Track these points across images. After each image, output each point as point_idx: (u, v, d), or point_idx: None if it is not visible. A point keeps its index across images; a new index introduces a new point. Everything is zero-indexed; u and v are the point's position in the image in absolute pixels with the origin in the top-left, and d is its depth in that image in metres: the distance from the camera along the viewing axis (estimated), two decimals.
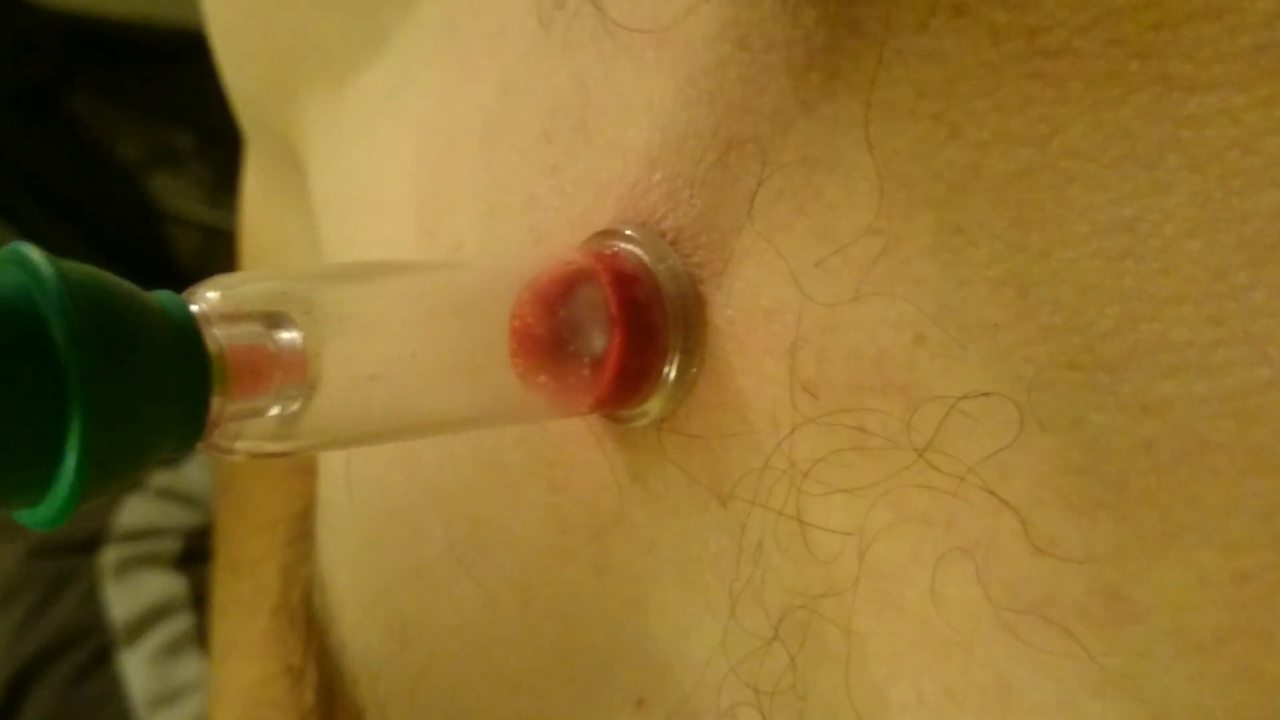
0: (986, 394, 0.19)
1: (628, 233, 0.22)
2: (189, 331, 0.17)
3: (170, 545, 0.67)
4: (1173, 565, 0.17)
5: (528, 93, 0.25)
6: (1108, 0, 0.18)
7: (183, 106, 0.88)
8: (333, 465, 0.32)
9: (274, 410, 0.18)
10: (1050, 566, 0.18)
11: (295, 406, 0.18)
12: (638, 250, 0.22)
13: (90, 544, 0.65)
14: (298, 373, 0.18)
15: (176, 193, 0.88)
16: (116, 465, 0.16)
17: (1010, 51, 0.19)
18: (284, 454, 0.19)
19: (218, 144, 0.83)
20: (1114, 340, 0.18)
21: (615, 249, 0.22)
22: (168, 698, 0.61)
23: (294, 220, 0.40)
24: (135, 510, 0.67)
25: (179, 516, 0.68)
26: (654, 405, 0.22)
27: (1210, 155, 0.17)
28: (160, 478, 0.69)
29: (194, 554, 0.66)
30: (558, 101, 0.25)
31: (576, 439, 0.24)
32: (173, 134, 0.90)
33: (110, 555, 0.65)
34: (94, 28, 0.88)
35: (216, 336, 0.17)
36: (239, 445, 0.18)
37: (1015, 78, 0.19)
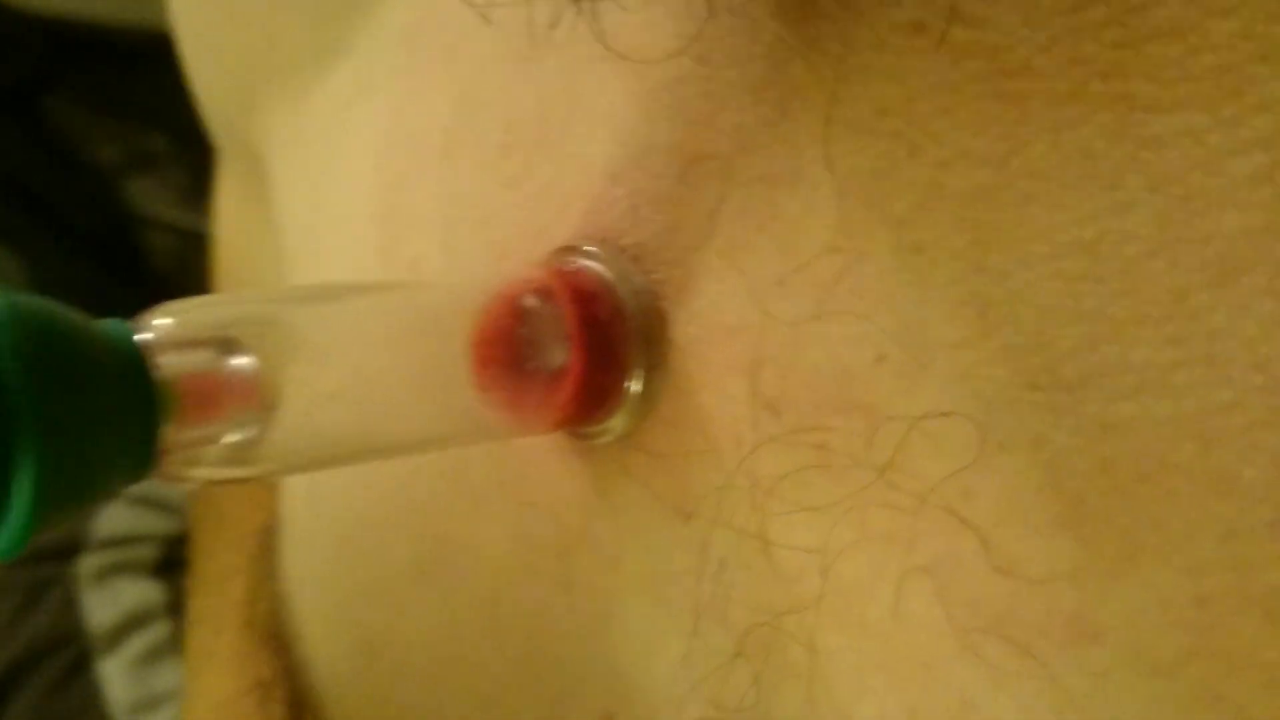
0: (947, 414, 0.19)
1: (588, 249, 0.22)
2: (135, 361, 0.17)
3: (148, 552, 0.67)
4: (1133, 587, 0.17)
5: (486, 105, 0.25)
6: (1069, 19, 0.18)
7: (159, 110, 0.87)
8: (294, 481, 0.31)
9: (230, 437, 0.18)
10: (1011, 586, 0.18)
11: (252, 433, 0.18)
12: (598, 266, 0.22)
13: (68, 551, 0.65)
14: (253, 399, 0.18)
15: (152, 196, 0.88)
16: (68, 497, 0.15)
17: (970, 70, 0.18)
18: (243, 480, 0.19)
19: (194, 147, 0.83)
20: (1074, 361, 0.18)
21: (575, 265, 0.22)
22: (147, 705, 0.61)
23: (266, 230, 0.40)
24: (113, 518, 0.67)
25: (156, 524, 0.68)
26: (617, 422, 0.22)
27: (1172, 176, 0.17)
28: (137, 485, 0.68)
29: (172, 561, 0.66)
30: (517, 115, 0.25)
31: (542, 455, 0.24)
32: (149, 137, 0.89)
33: (88, 563, 0.65)
34: (70, 31, 0.88)
35: (166, 364, 0.17)
36: (194, 473, 0.18)
37: (975, 97, 0.18)
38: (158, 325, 0.17)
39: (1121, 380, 0.17)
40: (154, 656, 0.63)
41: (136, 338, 0.17)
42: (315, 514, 0.30)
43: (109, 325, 0.17)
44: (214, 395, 0.18)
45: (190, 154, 0.87)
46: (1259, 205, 0.16)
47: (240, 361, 0.18)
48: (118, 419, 0.16)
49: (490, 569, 0.25)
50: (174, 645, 0.63)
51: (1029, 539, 0.18)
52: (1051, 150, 0.18)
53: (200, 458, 0.18)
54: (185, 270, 0.86)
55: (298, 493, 0.31)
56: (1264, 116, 0.16)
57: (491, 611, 0.25)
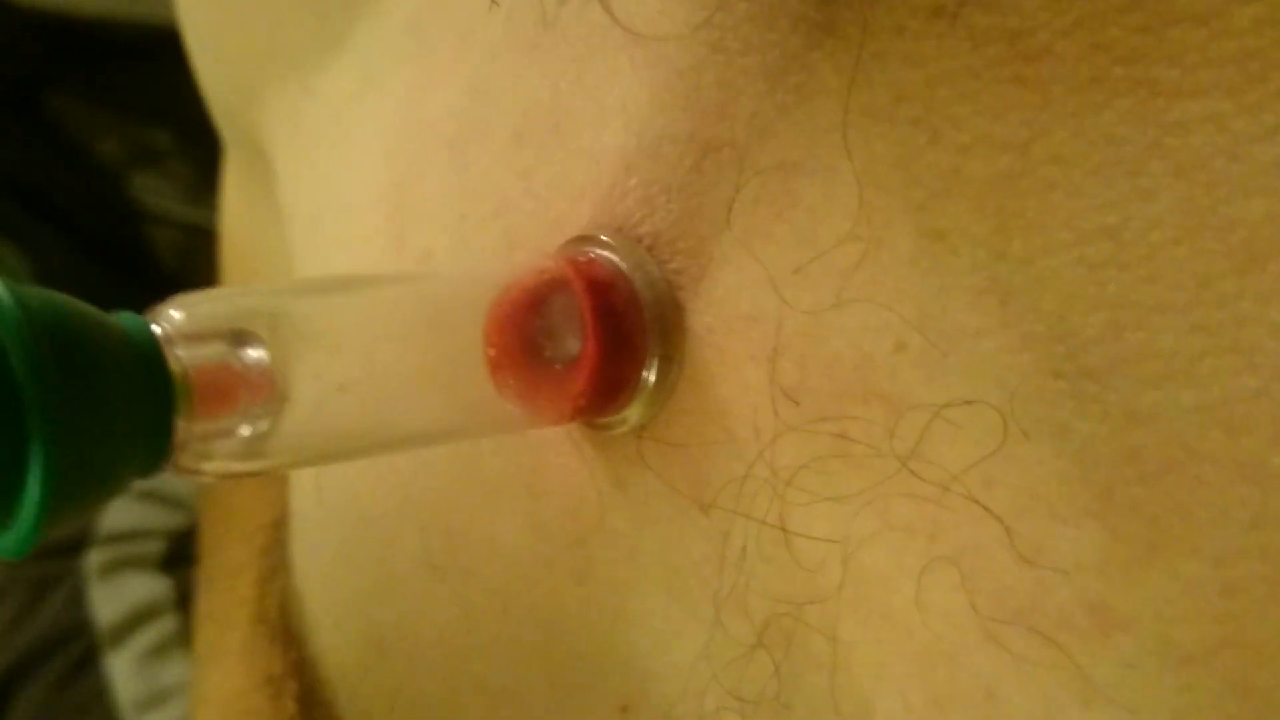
0: (970, 402, 0.18)
1: (604, 238, 0.22)
2: (151, 354, 0.16)
3: (154, 547, 0.67)
4: (1160, 576, 0.17)
5: (499, 94, 0.25)
6: (1090, 4, 0.17)
7: (162, 105, 0.87)
8: (303, 475, 0.31)
9: (242, 430, 0.18)
10: (1036, 576, 0.18)
11: (264, 425, 0.18)
12: (614, 256, 0.22)
13: (75, 546, 0.65)
14: (265, 391, 0.18)
15: (157, 192, 0.87)
16: (81, 492, 0.15)
17: (991, 55, 0.18)
18: (254, 474, 0.19)
19: (197, 142, 0.83)
20: (1098, 349, 0.17)
21: (591, 255, 0.22)
22: (154, 700, 0.61)
23: (272, 224, 0.40)
24: (119, 512, 0.67)
25: (162, 518, 0.68)
26: (633, 413, 0.22)
27: (1196, 162, 0.17)
28: (145, 479, 0.68)
29: (178, 556, 0.66)
30: (529, 103, 0.24)
31: (555, 446, 0.24)
32: (152, 133, 0.89)
33: (95, 557, 0.65)
34: (72, 27, 0.88)
35: (180, 357, 0.17)
36: (207, 466, 0.18)
37: (996, 82, 0.18)
38: (170, 318, 0.17)
39: (1147, 368, 0.17)
40: (161, 651, 0.63)
41: (155, 331, 0.17)
42: (325, 508, 0.30)
43: (123, 318, 0.17)
44: (227, 388, 0.17)
45: (194, 149, 0.87)
46: None
47: (252, 354, 0.18)
48: (132, 413, 0.16)
49: (504, 562, 0.25)
50: (181, 640, 0.63)
51: (1054, 528, 0.18)
52: (1074, 136, 0.18)
53: (213, 451, 0.18)
54: (190, 266, 0.86)
55: (307, 487, 0.31)
56: None
57: (505, 605, 0.25)
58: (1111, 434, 0.17)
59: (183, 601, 0.64)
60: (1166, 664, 0.17)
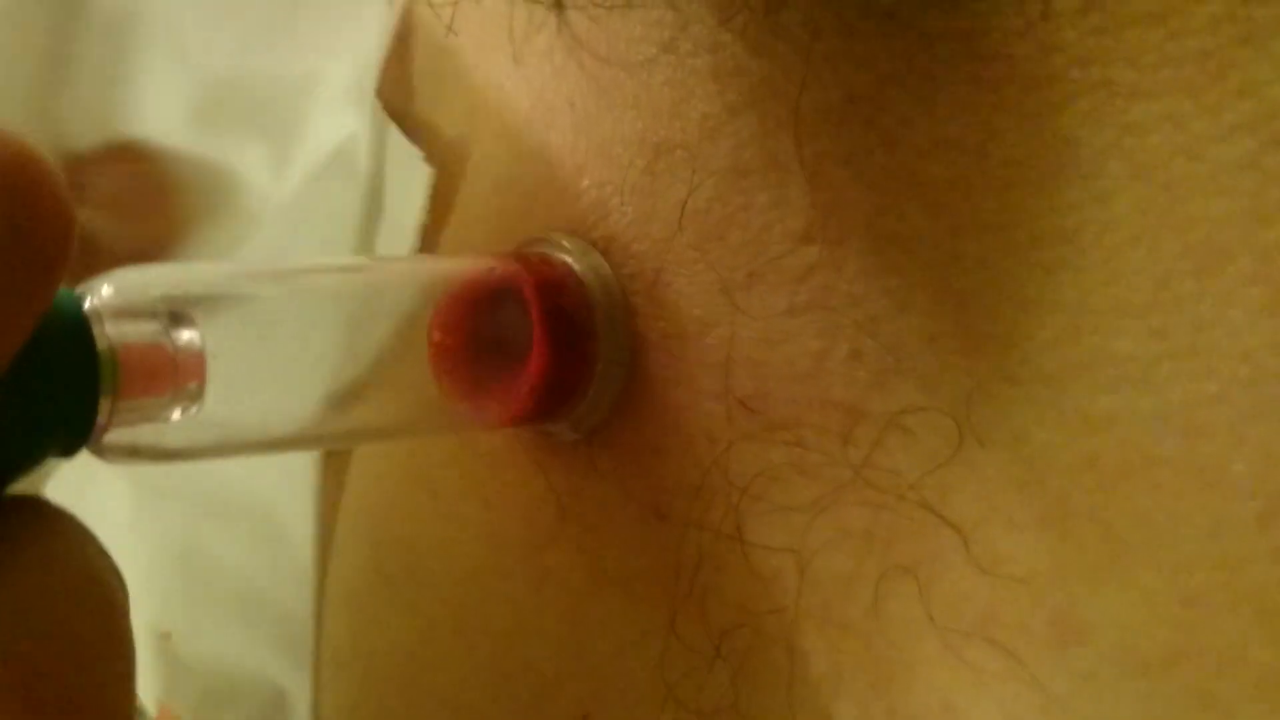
0: (923, 409, 0.18)
1: (559, 240, 0.22)
2: (78, 327, 0.16)
3: None
4: (1118, 585, 0.17)
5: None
6: (1045, 4, 0.17)
7: None
8: None
9: (171, 413, 0.17)
10: (993, 586, 0.18)
11: (194, 410, 0.17)
12: (568, 258, 0.21)
13: None
14: (196, 374, 0.17)
15: None
16: None
17: (944, 56, 0.18)
18: (184, 460, 0.18)
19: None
20: (1054, 353, 0.17)
21: (544, 255, 0.22)
22: None
23: None
24: None
25: None
26: (584, 419, 0.22)
27: (1154, 162, 0.17)
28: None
29: None
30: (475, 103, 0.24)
31: (510, 455, 0.24)
32: None
33: None
34: None
35: (108, 333, 0.16)
36: (134, 444, 0.17)
37: (950, 83, 0.18)
38: (102, 293, 0.16)
39: (1103, 373, 0.17)
40: None
41: (84, 305, 0.16)
42: None
43: None
44: (157, 368, 0.17)
45: None
46: (1243, 191, 0.16)
47: (185, 335, 0.17)
48: (55, 387, 0.15)
49: (460, 573, 0.25)
50: None
51: (1011, 537, 0.18)
52: (1030, 137, 0.17)
53: (140, 435, 0.17)
54: None
55: None
56: (1248, 101, 0.16)
57: (461, 616, 0.25)
58: (1068, 440, 0.17)
59: None
60: (1125, 674, 0.17)
